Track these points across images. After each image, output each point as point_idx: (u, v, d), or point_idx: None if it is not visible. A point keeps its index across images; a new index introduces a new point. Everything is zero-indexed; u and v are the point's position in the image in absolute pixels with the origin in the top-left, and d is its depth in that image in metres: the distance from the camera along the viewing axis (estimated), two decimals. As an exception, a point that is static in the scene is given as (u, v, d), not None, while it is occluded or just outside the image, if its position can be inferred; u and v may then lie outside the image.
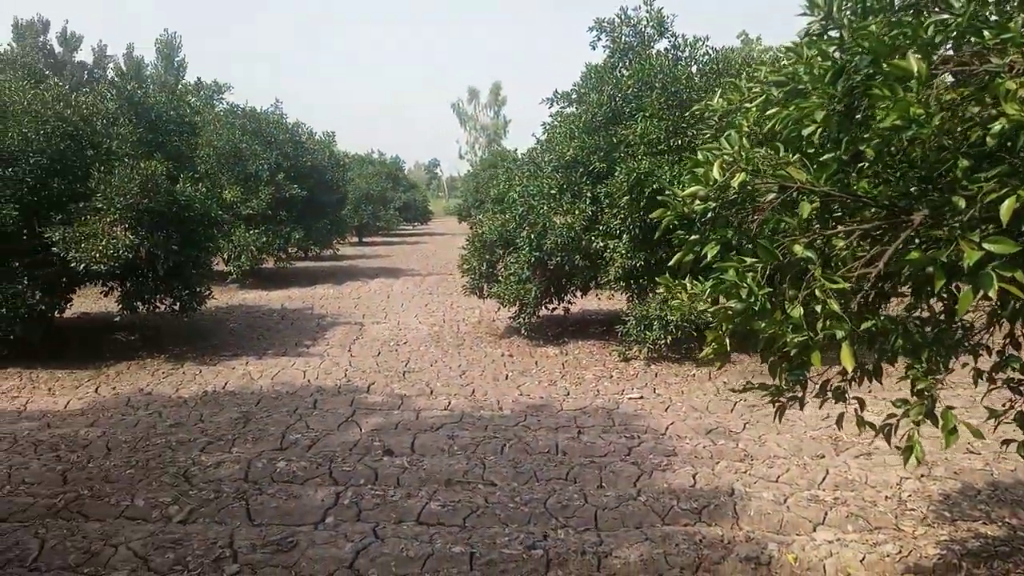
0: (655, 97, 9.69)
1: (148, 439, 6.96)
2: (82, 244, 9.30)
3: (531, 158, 12.34)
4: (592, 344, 11.12)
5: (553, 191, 10.44)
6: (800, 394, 3.16)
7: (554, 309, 11.89)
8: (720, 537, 4.95)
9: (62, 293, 10.39)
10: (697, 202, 2.66)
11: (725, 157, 2.64)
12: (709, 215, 2.72)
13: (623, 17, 10.91)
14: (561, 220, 10.10)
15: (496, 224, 11.59)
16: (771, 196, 2.70)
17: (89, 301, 14.57)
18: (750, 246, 2.71)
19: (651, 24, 10.91)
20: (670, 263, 2.91)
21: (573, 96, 11.08)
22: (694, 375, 9.25)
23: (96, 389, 8.89)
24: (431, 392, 8.77)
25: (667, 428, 7.23)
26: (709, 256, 2.68)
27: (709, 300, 2.80)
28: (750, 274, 2.55)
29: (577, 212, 10.03)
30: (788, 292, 2.62)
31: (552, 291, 11.43)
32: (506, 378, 9.38)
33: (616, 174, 9.61)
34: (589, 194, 10.21)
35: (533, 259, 10.56)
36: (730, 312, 2.56)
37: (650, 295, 9.59)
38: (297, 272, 21.54)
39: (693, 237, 2.76)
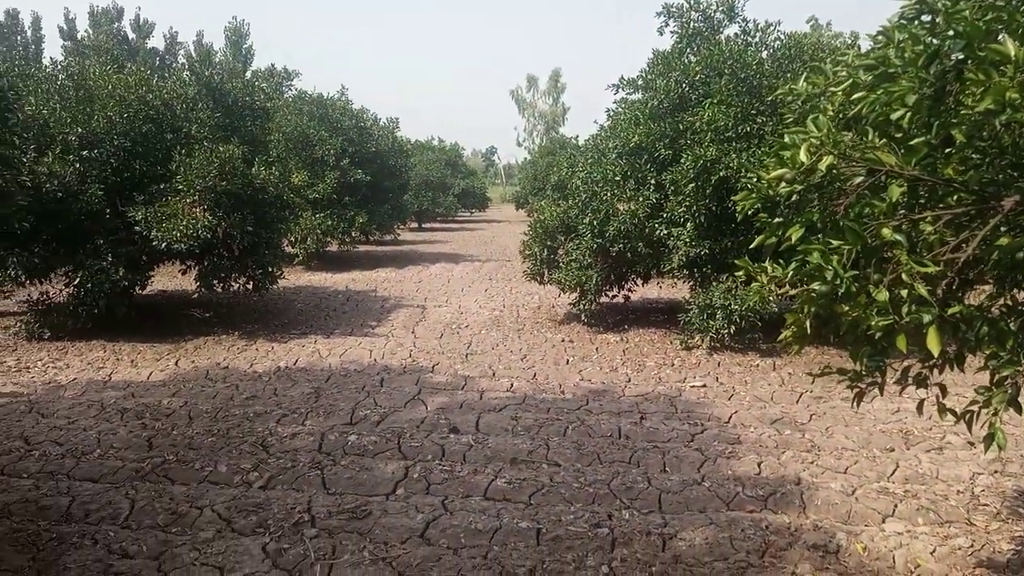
0: (724, 83, 9.57)
1: (227, 410, 7.30)
2: (163, 224, 9.74)
3: (594, 144, 12.33)
4: (653, 332, 11.10)
5: (617, 178, 10.43)
6: (880, 380, 3.15)
7: (614, 296, 11.90)
8: (787, 525, 4.96)
9: (143, 270, 10.88)
10: (783, 185, 2.69)
11: (812, 140, 2.66)
12: (794, 198, 2.74)
13: (692, 2, 10.78)
14: (624, 207, 10.09)
15: (558, 211, 11.65)
16: (858, 180, 2.70)
17: (166, 279, 15.22)
18: (833, 230, 2.73)
19: (721, 9, 10.75)
20: (751, 246, 2.94)
21: (639, 82, 11.01)
22: (758, 365, 9.17)
23: (176, 362, 9.33)
24: (493, 374, 8.92)
25: (730, 417, 7.21)
26: (793, 239, 2.70)
27: (790, 283, 2.83)
28: (835, 257, 2.57)
29: (641, 199, 10.01)
30: (873, 276, 2.63)
31: (613, 278, 11.44)
32: (567, 363, 9.47)
33: (682, 161, 9.55)
34: (653, 181, 10.17)
35: (595, 246, 10.59)
36: (814, 295, 2.59)
37: (714, 284, 9.52)
38: (359, 255, 22.02)
39: (777, 220, 2.79)
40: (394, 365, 9.28)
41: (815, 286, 2.57)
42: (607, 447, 6.36)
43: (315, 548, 4.60)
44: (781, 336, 2.98)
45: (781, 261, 2.92)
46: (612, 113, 12.10)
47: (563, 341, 10.71)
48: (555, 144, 38.81)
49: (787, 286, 2.87)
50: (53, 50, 45.20)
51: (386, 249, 24.70)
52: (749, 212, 2.96)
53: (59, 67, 11.64)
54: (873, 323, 2.56)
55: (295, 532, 4.83)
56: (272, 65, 15.44)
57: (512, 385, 8.39)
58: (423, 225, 35.61)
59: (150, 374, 8.75)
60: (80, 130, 10.05)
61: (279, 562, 4.45)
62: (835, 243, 2.54)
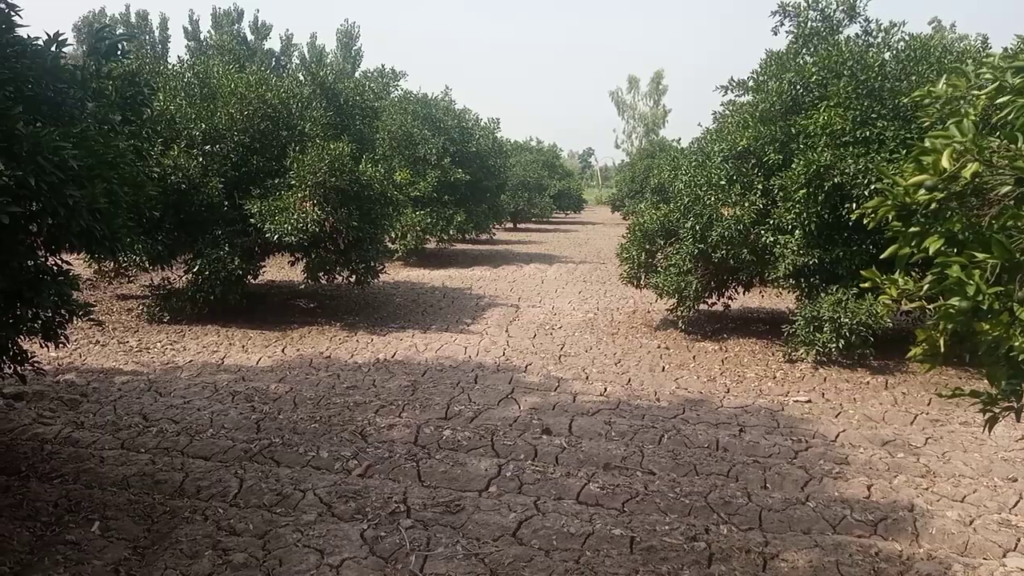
0: (842, 85, 9.13)
1: (329, 398, 7.55)
2: (276, 217, 10.19)
3: (699, 147, 12.04)
4: (754, 342, 10.73)
5: (722, 182, 10.14)
6: (1017, 404, 2.92)
7: (713, 304, 11.58)
8: (898, 552, 4.67)
9: (256, 260, 11.43)
10: (921, 192, 2.52)
11: (955, 145, 2.48)
12: (932, 207, 2.57)
13: (810, 1, 10.35)
14: (729, 212, 9.80)
15: (658, 214, 11.44)
16: (1005, 189, 2.50)
17: (276, 270, 15.92)
18: (977, 242, 2.53)
19: (841, 8, 10.28)
20: (883, 255, 2.77)
21: (749, 84, 10.66)
22: (868, 383, 8.70)
23: (283, 349, 9.74)
24: (587, 377, 8.84)
25: (837, 435, 6.87)
26: (931, 250, 2.53)
27: (924, 297, 2.65)
28: (977, 271, 2.39)
29: (747, 204, 9.69)
30: (1018, 293, 2.43)
31: (713, 285, 11.13)
32: (662, 370, 9.28)
33: (793, 166, 9.18)
34: (761, 186, 9.82)
35: (696, 251, 10.33)
36: (952, 311, 2.41)
37: (822, 295, 9.10)
38: (456, 253, 22.36)
39: (912, 229, 2.61)
40: (488, 363, 9.36)
41: (954, 301, 2.39)
42: (704, 458, 6.19)
43: (411, 538, 4.68)
44: (911, 353, 2.80)
45: (913, 273, 2.74)
46: (718, 115, 11.79)
47: (659, 347, 10.50)
48: (655, 146, 38.22)
49: (920, 300, 2.70)
50: (178, 49, 48.11)
51: (482, 248, 24.98)
52: (881, 221, 2.79)
53: (186, 66, 12.38)
54: (1017, 343, 2.36)
55: (391, 521, 4.93)
56: (382, 66, 15.88)
57: (606, 389, 8.30)
58: (518, 225, 35.81)
59: (259, 360, 9.17)
60: (204, 126, 10.64)
61: (376, 549, 4.55)
62: (979, 256, 2.35)
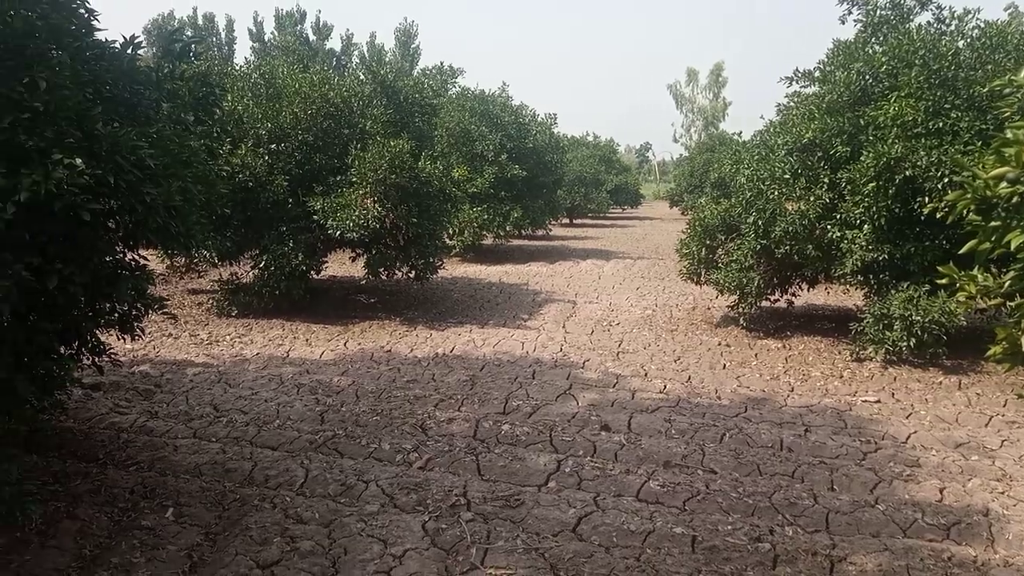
0: (913, 75, 8.80)
1: (389, 392, 7.67)
2: (338, 213, 10.40)
3: (761, 140, 11.78)
4: (819, 340, 10.46)
5: (786, 176, 9.89)
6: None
7: (776, 301, 11.31)
8: (972, 558, 4.50)
9: (319, 256, 11.69)
10: (1003, 185, 2.41)
11: (1042, 136, 2.37)
12: (1015, 200, 2.46)
13: (879, -12, 10.00)
14: (793, 207, 9.56)
15: (718, 209, 11.24)
16: (1097, 181, 2.37)
17: (337, 265, 16.25)
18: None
19: (913, -6, 9.90)
20: (960, 251, 2.66)
21: (815, 75, 10.37)
22: (940, 383, 8.38)
23: (344, 343, 9.95)
24: (646, 374, 8.76)
25: (908, 437, 6.64)
26: (1013, 245, 2.42)
27: (1005, 294, 2.54)
28: (1065, 267, 2.28)
29: (812, 199, 9.43)
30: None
31: (776, 282, 10.87)
32: (723, 367, 9.13)
33: (861, 159, 8.89)
34: (827, 180, 9.54)
35: (758, 247, 10.11)
36: (1037, 308, 2.31)
37: (892, 292, 8.80)
38: (512, 249, 22.42)
39: (993, 224, 2.51)
40: (545, 358, 9.36)
41: (1040, 299, 2.29)
42: (768, 458, 6.06)
43: (471, 531, 4.72)
44: (989, 353, 2.69)
45: (993, 269, 2.63)
46: (782, 107, 11.50)
47: (719, 344, 10.33)
48: (714, 140, 37.51)
49: (999, 298, 2.59)
50: (243, 51, 49.53)
51: (538, 244, 24.98)
52: (959, 215, 2.68)
53: (252, 66, 12.72)
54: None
55: (452, 514, 4.99)
56: (440, 63, 16.01)
57: (665, 387, 8.21)
58: (575, 221, 35.68)
59: (322, 353, 9.38)
60: (269, 125, 10.93)
61: (437, 541, 4.61)
62: (1068, 251, 2.25)
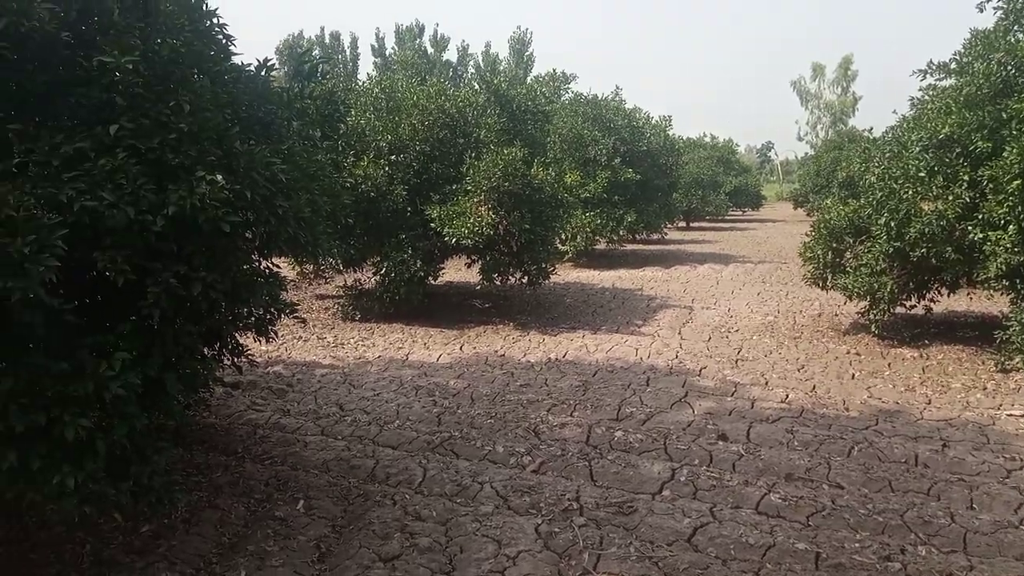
0: (1067, 61, 8.03)
1: (503, 395, 7.80)
2: (454, 221, 10.68)
3: (894, 137, 11.07)
4: (959, 349, 9.71)
5: (921, 174, 9.25)
6: None
7: (912, 307, 10.59)
8: None
9: (436, 263, 12.05)
10: None
11: None
12: None
13: (1025, -30, 9.18)
14: (930, 207, 8.93)
15: (846, 210, 10.67)
16: None
17: (453, 271, 16.67)
18: None
19: (1064, -25, 9.02)
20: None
21: (952, 66, 9.65)
22: (1103, 397, 7.60)
23: (460, 347, 10.19)
24: (766, 383, 8.45)
25: (1063, 455, 6.06)
26: None
27: None
28: None
29: (951, 198, 8.78)
30: None
31: (911, 287, 10.18)
32: (852, 377, 8.65)
33: (1004, 155, 8.19)
34: (967, 178, 8.85)
35: (891, 250, 9.51)
36: None
37: (1045, 297, 8.05)
38: (626, 254, 22.20)
39: None
40: (660, 365, 9.21)
41: None
42: (900, 474, 5.70)
43: (583, 536, 4.73)
44: None
45: None
46: (916, 101, 10.78)
47: (848, 353, 9.80)
48: (843, 137, 35.60)
49: None
50: (366, 66, 51.70)
51: (653, 248, 24.60)
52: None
53: (374, 82, 13.30)
54: None
55: (565, 518, 5.01)
56: (552, 70, 16.12)
57: (787, 396, 7.88)
58: (691, 224, 34.87)
59: (439, 356, 9.65)
60: (390, 137, 11.38)
61: (550, 544, 4.64)
62: None
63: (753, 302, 13.84)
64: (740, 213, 43.97)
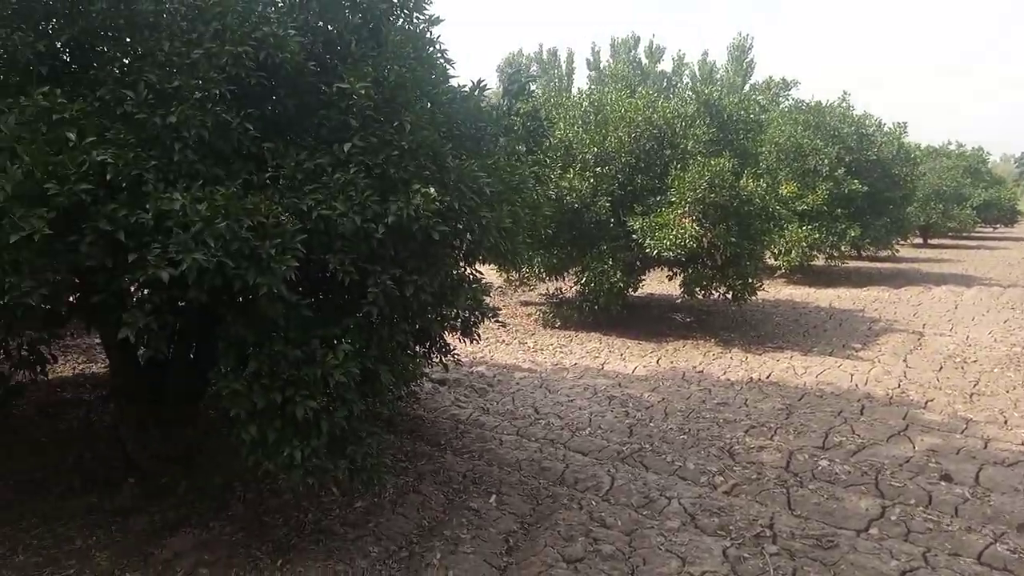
0: None
1: (698, 412, 7.63)
2: (656, 233, 10.61)
3: None
4: None
5: None
6: None
7: None
8: None
9: (636, 274, 12.05)
10: None
11: None
12: None
13: None
14: None
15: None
16: None
17: (654, 284, 16.53)
18: None
19: None
20: None
21: None
22: None
23: (657, 360, 10.10)
24: (1005, 422, 7.46)
25: None
26: None
27: None
28: None
29: None
30: None
31: None
32: (1121, 423, 7.38)
33: None
34: None
35: None
36: None
37: None
38: (848, 271, 20.56)
39: None
40: (878, 394, 8.47)
41: None
42: None
43: (775, 565, 4.52)
44: None
45: None
46: None
47: (1117, 395, 8.37)
48: None
49: None
50: (581, 80, 52.72)
51: (880, 266, 22.54)
52: None
53: (583, 96, 13.60)
54: None
55: (755, 544, 4.82)
56: (770, 77, 15.43)
57: (1032, 439, 6.91)
58: (929, 241, 31.44)
59: (635, 368, 9.65)
60: (596, 149, 11.58)
61: (738, 569, 4.50)
62: None
63: (997, 331, 12.23)
64: (990, 230, 38.87)
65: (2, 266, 3.27)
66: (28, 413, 6.51)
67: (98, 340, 8.09)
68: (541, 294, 14.22)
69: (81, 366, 8.36)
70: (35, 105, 3.50)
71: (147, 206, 3.47)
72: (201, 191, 3.58)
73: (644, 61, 49.35)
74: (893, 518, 5.19)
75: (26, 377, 4.80)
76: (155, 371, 5.27)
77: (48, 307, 3.65)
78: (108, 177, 3.47)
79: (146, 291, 3.69)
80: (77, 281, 3.80)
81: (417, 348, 5.84)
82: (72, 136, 3.50)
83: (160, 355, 3.75)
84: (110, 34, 4.23)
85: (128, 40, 4.18)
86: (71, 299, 3.97)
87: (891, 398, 8.29)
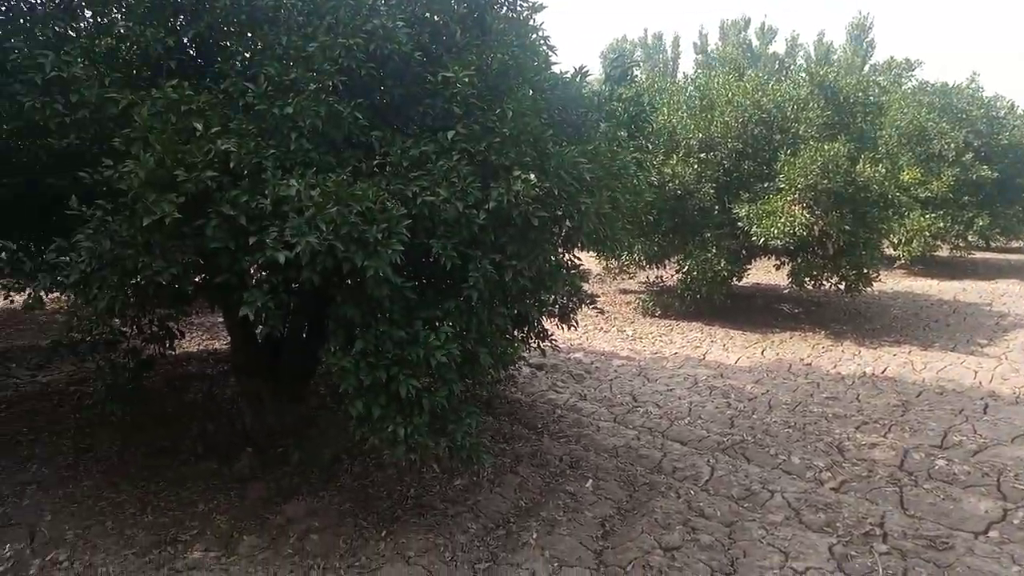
0: None
1: (805, 406, 7.37)
2: (763, 220, 10.26)
3: None
4: None
5: None
6: None
7: None
8: None
9: (741, 263, 11.70)
10: None
11: None
12: None
13: None
14: None
15: None
16: None
17: (760, 273, 15.99)
18: None
19: None
20: None
21: None
22: None
23: (762, 352, 9.80)
24: None
25: None
26: None
27: None
28: None
29: None
30: None
31: None
32: None
33: None
34: None
35: None
36: None
37: None
38: (975, 263, 19.18)
39: None
40: (1004, 392, 7.91)
41: None
42: None
43: (884, 565, 4.35)
44: None
45: None
46: None
47: None
48: None
49: None
50: (687, 65, 51.40)
51: (1012, 257, 20.90)
52: None
53: (688, 80, 13.28)
54: None
55: (864, 542, 4.64)
56: (892, 57, 14.56)
57: None
58: (1070, 231, 28.81)
59: (737, 359, 9.41)
60: (700, 135, 11.31)
61: (844, 567, 4.35)
62: None
63: None
64: None
65: (136, 247, 3.57)
66: (157, 385, 7.06)
67: (220, 319, 8.68)
68: (641, 282, 14.05)
69: (205, 343, 8.98)
70: (165, 97, 3.78)
71: (266, 192, 3.69)
72: (314, 178, 3.77)
73: (755, 43, 47.49)
74: (1016, 521, 4.87)
75: (156, 351, 5.22)
76: (272, 350, 5.61)
77: (177, 286, 3.96)
78: (231, 165, 3.72)
79: (264, 272, 3.94)
80: (202, 262, 4.09)
81: (515, 332, 5.91)
82: (199, 126, 3.76)
83: (276, 332, 4.00)
84: (232, 29, 4.50)
85: (249, 35, 4.44)
86: (197, 279, 4.28)
87: (1018, 397, 7.73)
